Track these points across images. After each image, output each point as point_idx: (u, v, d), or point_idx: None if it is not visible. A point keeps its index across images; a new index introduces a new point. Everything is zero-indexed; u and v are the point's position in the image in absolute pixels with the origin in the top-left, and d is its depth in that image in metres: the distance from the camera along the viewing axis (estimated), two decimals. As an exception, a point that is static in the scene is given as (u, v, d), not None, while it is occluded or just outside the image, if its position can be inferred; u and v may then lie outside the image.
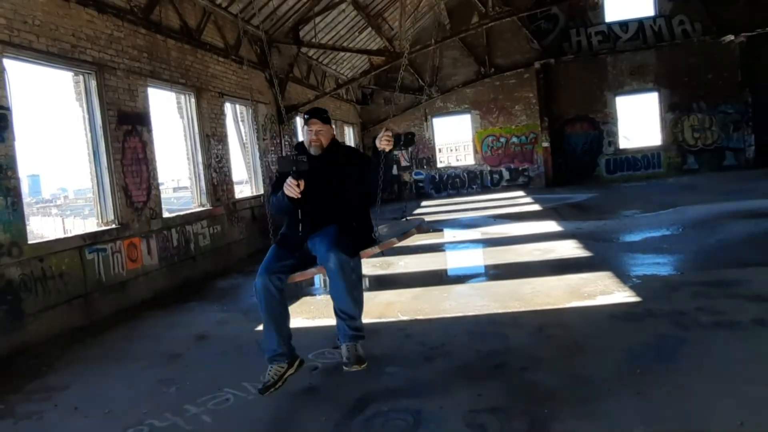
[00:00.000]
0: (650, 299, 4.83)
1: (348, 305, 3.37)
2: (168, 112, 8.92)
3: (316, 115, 3.52)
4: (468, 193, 18.26)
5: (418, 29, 16.67)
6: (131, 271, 6.68)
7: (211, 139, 8.88)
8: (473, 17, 9.61)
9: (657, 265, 6.24)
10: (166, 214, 7.72)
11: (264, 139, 10.96)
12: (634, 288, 5.28)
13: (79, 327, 5.63)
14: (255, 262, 8.87)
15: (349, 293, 3.32)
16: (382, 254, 3.54)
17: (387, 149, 3.34)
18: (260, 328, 5.17)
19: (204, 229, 8.53)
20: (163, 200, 7.68)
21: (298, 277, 3.46)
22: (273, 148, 11.29)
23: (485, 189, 18.26)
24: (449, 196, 18.30)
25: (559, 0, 10.70)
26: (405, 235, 3.56)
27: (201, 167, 8.72)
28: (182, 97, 8.42)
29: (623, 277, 5.74)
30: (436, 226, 10.86)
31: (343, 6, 11.11)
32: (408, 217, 4.05)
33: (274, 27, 10.27)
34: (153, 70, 7.37)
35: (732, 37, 15.90)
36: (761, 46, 16.05)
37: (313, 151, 3.50)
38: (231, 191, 9.52)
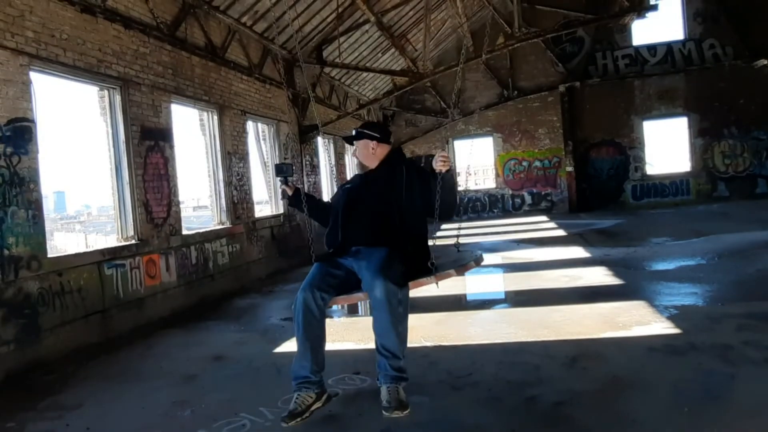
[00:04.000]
0: (691, 331, 4.53)
1: (392, 342, 2.96)
2: (190, 129, 8.92)
3: (356, 136, 3.44)
4: (489, 216, 17.98)
5: (440, 51, 16.66)
6: (149, 287, 6.57)
7: (232, 156, 8.82)
8: (499, 38, 9.53)
9: (694, 295, 5.93)
10: (185, 231, 7.63)
11: (285, 158, 10.89)
12: (672, 319, 4.97)
13: (95, 343, 5.52)
14: (273, 283, 8.91)
15: (394, 328, 2.92)
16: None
17: (443, 170, 3.08)
18: (279, 350, 5.08)
19: (223, 247, 8.43)
20: (183, 217, 7.60)
21: (342, 300, 3.20)
22: (294, 167, 11.19)
23: (506, 213, 17.97)
24: (470, 219, 18.03)
25: (587, 22, 10.52)
26: (463, 267, 3.19)
27: (222, 185, 8.65)
28: (205, 114, 8.40)
29: (659, 307, 5.44)
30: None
31: (366, 27, 11.10)
32: (460, 247, 3.64)
33: (298, 46, 10.25)
34: (177, 86, 7.35)
35: (765, 62, 15.55)
36: (795, 72, 15.69)
37: (359, 169, 3.50)
38: (251, 210, 9.43)
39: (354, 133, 3.45)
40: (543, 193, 17.85)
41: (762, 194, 16.26)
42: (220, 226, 8.57)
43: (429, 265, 3.12)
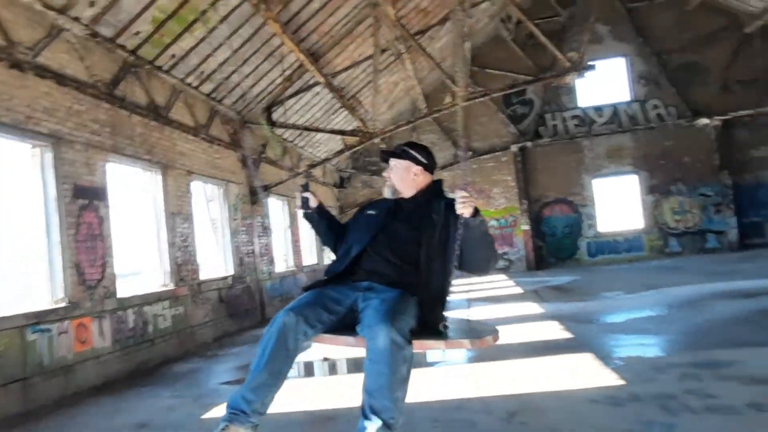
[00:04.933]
0: (634, 382, 4.41)
1: (387, 406, 2.28)
2: (131, 188, 8.68)
3: (397, 154, 2.83)
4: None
5: (395, 113, 17.04)
6: (79, 353, 6.15)
7: (176, 217, 8.57)
8: (446, 98, 9.82)
9: (641, 346, 5.83)
10: (122, 294, 7.25)
11: (235, 219, 10.68)
12: (617, 370, 4.84)
13: (14, 414, 5.11)
14: (219, 346, 8.51)
15: (392, 390, 2.28)
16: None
17: (466, 213, 2.47)
18: (208, 415, 4.73)
19: (165, 310, 8.04)
20: (120, 278, 7.25)
21: (328, 340, 2.59)
22: (244, 229, 10.99)
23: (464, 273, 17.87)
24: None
25: (531, 81, 10.92)
26: (480, 341, 2.53)
27: (164, 246, 8.35)
28: (147, 173, 8.20)
29: (605, 358, 5.31)
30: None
31: (317, 89, 11.28)
32: (470, 317, 2.87)
33: (247, 108, 10.32)
34: (115, 144, 7.18)
35: (707, 121, 16.35)
36: (736, 130, 16.51)
37: (388, 193, 2.82)
38: (196, 271, 9.09)
39: (396, 149, 2.88)
40: (500, 252, 17.91)
41: (712, 249, 16.65)
42: (162, 288, 8.21)
43: (441, 328, 2.50)
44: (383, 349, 2.26)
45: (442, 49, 14.74)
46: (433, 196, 2.76)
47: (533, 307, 9.35)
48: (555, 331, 7.05)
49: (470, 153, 18.03)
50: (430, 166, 2.85)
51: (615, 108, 17.46)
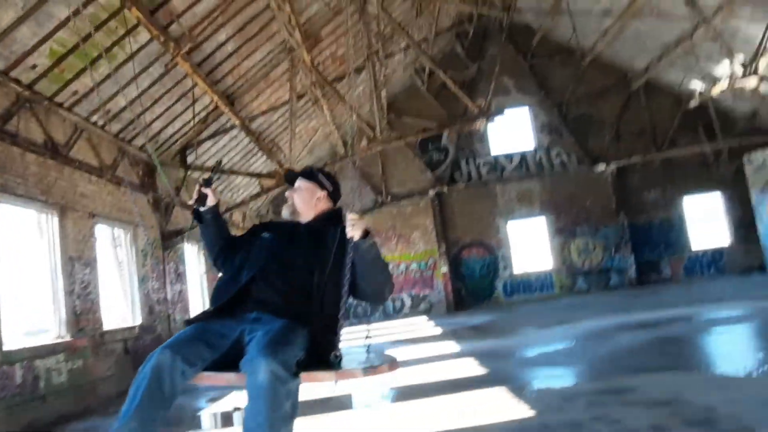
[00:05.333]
0: (545, 412, 4.51)
1: None
2: (23, 231, 8.02)
3: (305, 175, 2.77)
4: (371, 321, 17.79)
5: (315, 158, 17.12)
6: (-49, 417, 5.45)
7: (76, 262, 7.99)
8: (362, 141, 10.06)
9: (552, 378, 6.01)
10: (8, 346, 6.57)
11: (144, 266, 10.13)
12: (529, 401, 4.94)
13: None
14: (123, 402, 7.85)
15: (273, 429, 2.05)
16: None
17: (356, 236, 2.38)
18: None
19: (60, 364, 7.35)
20: (6, 328, 6.58)
21: (208, 378, 2.34)
22: (154, 275, 10.43)
23: (388, 316, 17.90)
24: (351, 324, 17.69)
25: (443, 126, 11.44)
26: (373, 369, 2.38)
27: (61, 293, 7.71)
28: (42, 215, 7.65)
29: (517, 391, 5.41)
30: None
31: (234, 131, 11.16)
32: (369, 346, 2.66)
33: (160, 149, 10.00)
34: (4, 183, 6.67)
35: (603, 167, 17.67)
36: (628, 175, 17.97)
37: (286, 214, 2.69)
38: (98, 321, 8.44)
39: (304, 170, 2.82)
40: (422, 294, 18.13)
41: (615, 286, 17.71)
42: (58, 340, 7.53)
43: (332, 358, 2.35)
44: (262, 384, 2.06)
45: (359, 96, 15.15)
46: (332, 222, 2.67)
47: (452, 346, 9.45)
48: (472, 367, 7.14)
49: (389, 198, 18.38)
50: (334, 194, 2.81)
51: (523, 155, 18.53)
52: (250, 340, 2.29)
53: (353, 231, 2.38)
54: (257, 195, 10.58)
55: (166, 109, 9.18)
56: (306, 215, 2.73)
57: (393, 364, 2.51)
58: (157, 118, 9.20)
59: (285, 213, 2.75)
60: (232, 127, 10.83)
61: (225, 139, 11.59)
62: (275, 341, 2.18)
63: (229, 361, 2.28)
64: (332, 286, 2.46)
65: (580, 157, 18.25)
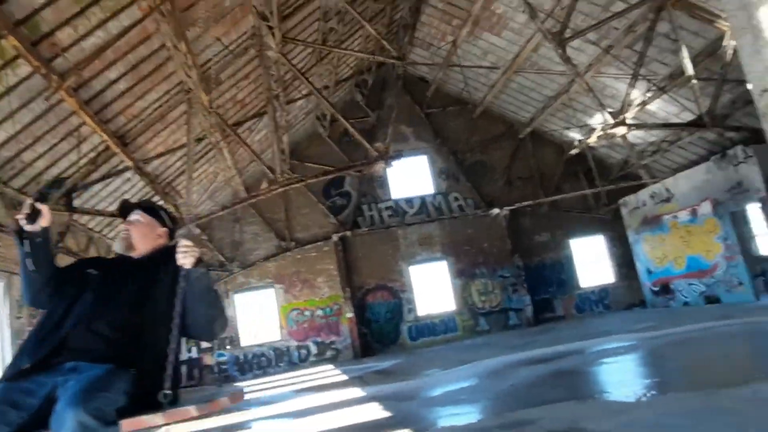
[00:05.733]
0: (450, 448, 4.49)
1: None
2: None
3: (145, 208, 2.63)
4: (275, 371, 17.11)
5: (215, 203, 16.58)
6: None
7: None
8: (263, 184, 9.89)
9: (456, 416, 6.03)
10: None
11: (18, 317, 9.11)
12: (434, 439, 4.90)
13: None
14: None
15: None
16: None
17: (187, 264, 2.28)
18: None
19: None
20: None
21: None
22: (31, 328, 9.38)
23: (293, 366, 17.31)
24: (255, 376, 16.91)
25: (342, 169, 11.57)
26: (210, 404, 2.20)
27: None
28: None
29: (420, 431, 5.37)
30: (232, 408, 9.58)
31: (128, 174, 10.56)
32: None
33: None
34: None
35: (498, 211, 18.63)
36: (521, 218, 19.08)
37: (119, 248, 2.47)
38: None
39: (142, 203, 2.70)
40: (327, 341, 17.76)
41: (514, 325, 18.42)
42: None
43: (161, 398, 2.15)
44: None
45: (261, 141, 15.01)
46: (167, 259, 2.47)
47: (357, 392, 9.25)
48: (377, 411, 7.00)
49: (293, 243, 18.10)
50: (172, 234, 2.74)
51: (423, 200, 19.13)
52: (61, 394, 2.05)
53: (185, 258, 2.29)
54: (150, 241, 9.90)
55: (50, 148, 8.52)
56: (141, 250, 2.58)
57: (235, 396, 2.34)
58: (40, 157, 8.50)
59: (118, 247, 2.57)
60: (126, 169, 10.25)
61: (117, 182, 10.92)
62: (87, 389, 1.98)
63: (40, 421, 2.04)
64: (164, 322, 2.30)
65: (477, 202, 19.16)
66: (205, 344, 17.13)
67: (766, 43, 9.83)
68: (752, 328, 8.42)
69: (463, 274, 18.74)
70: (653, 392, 5.53)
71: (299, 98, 14.07)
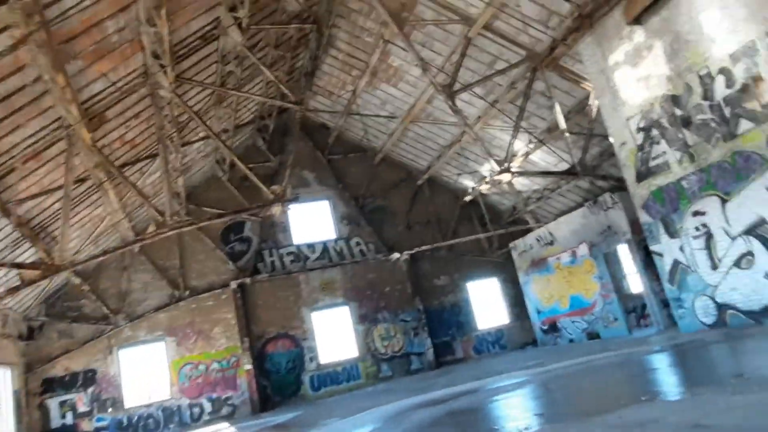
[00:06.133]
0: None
1: None
2: None
3: None
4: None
5: (101, 249, 15.48)
6: None
7: None
8: (150, 227, 9.39)
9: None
10: None
11: None
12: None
13: None
14: None
15: None
16: None
17: None
18: None
19: None
20: None
21: None
22: None
23: (184, 427, 16.11)
24: (137, 438, 15.53)
25: (238, 212, 11.31)
26: None
27: None
28: None
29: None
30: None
31: (-7, 217, 9.61)
32: None
33: None
34: None
35: (398, 255, 18.95)
36: (420, 262, 19.52)
37: None
38: None
39: None
40: (223, 397, 16.78)
41: (416, 369, 18.50)
42: None
43: None
44: None
45: (155, 183, 14.36)
46: None
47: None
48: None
49: (188, 292, 17.22)
50: None
51: (325, 245, 19.08)
52: None
53: None
54: (15, 289, 8.99)
55: None
56: None
57: None
58: None
59: None
60: (-11, 211, 9.33)
61: (-21, 226, 9.89)
62: None
63: None
64: None
65: (378, 246, 19.41)
66: (81, 407, 15.57)
67: (623, 102, 11.07)
68: (624, 359, 9.06)
69: (366, 319, 18.70)
70: (537, 424, 5.74)
71: (196, 140, 13.72)
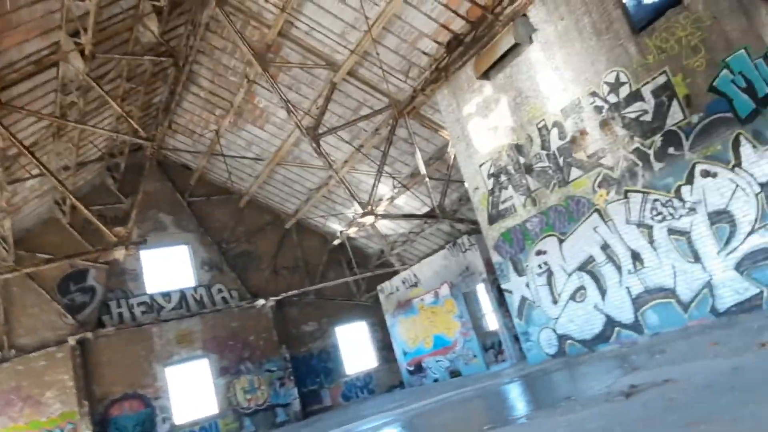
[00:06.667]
0: None
1: None
2: None
3: None
4: None
5: None
6: None
7: None
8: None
9: None
10: None
11: None
12: None
13: None
14: None
15: None
16: None
17: None
18: None
19: None
20: None
21: None
22: None
23: None
24: None
25: (73, 256, 10.15)
26: None
27: None
28: None
29: None
30: None
31: None
32: None
33: None
34: None
35: (263, 302, 18.19)
36: (287, 308, 18.92)
37: None
38: None
39: None
40: (56, 472, 14.58)
41: (282, 422, 17.58)
42: None
43: None
44: None
45: (-27, 226, 12.49)
46: None
47: None
48: None
49: (14, 351, 14.96)
50: None
51: (183, 293, 17.78)
52: None
53: None
54: None
55: None
56: None
57: None
58: None
59: None
60: None
61: None
62: None
63: None
64: None
65: (242, 293, 18.52)
66: None
67: (476, 150, 11.83)
68: (480, 393, 9.35)
69: (227, 372, 17.53)
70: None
71: (28, 178, 12.22)
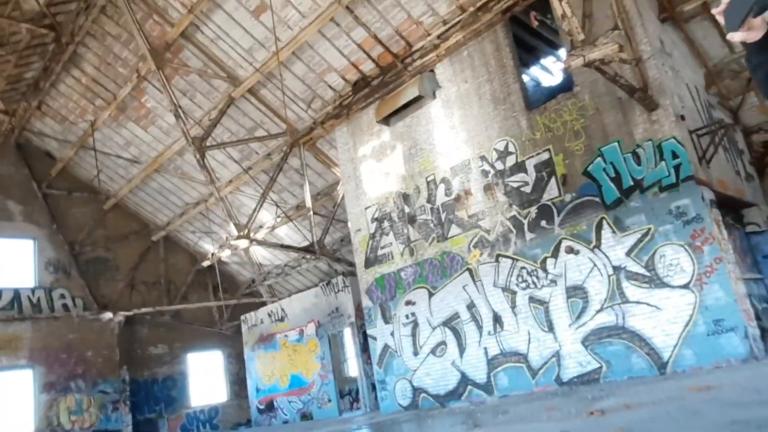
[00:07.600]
0: None
1: None
2: None
3: None
4: None
5: None
6: None
7: None
8: None
9: None
10: None
11: None
12: None
13: None
14: None
15: None
16: None
17: None
18: None
19: None
20: None
21: None
22: None
23: None
24: None
25: None
26: None
27: None
28: None
29: None
30: None
31: None
32: None
33: None
34: None
35: (111, 315, 16.48)
36: (137, 326, 17.32)
37: None
38: None
39: None
40: None
41: (109, 451, 15.77)
42: None
43: None
44: None
45: None
46: None
47: None
48: None
49: None
50: None
51: (17, 293, 15.65)
52: None
53: None
54: None
55: None
56: None
57: None
58: None
59: None
60: None
61: None
62: None
63: None
64: None
65: (88, 303, 16.70)
66: None
67: (364, 192, 11.82)
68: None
69: (54, 388, 15.48)
70: None
71: None
